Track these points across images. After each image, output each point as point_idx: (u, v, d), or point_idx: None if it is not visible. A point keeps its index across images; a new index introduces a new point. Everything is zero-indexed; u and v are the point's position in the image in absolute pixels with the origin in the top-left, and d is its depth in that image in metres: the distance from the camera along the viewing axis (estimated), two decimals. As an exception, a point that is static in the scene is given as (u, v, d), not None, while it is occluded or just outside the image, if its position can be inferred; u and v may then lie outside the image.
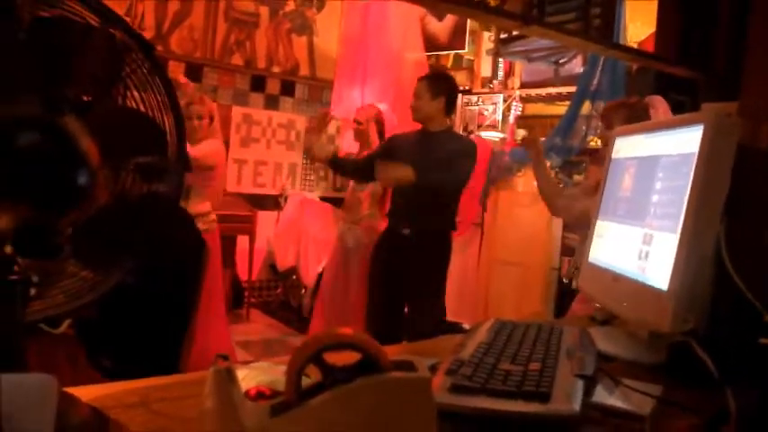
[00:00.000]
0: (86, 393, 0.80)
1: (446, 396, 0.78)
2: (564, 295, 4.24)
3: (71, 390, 0.81)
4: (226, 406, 0.63)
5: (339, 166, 3.70)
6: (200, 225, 3.47)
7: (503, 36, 3.12)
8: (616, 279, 1.15)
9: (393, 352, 1.22)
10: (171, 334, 2.13)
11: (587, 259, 1.31)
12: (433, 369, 0.89)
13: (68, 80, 0.72)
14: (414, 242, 3.32)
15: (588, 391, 0.85)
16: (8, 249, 0.59)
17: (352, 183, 4.10)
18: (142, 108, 0.89)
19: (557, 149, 4.67)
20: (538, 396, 0.78)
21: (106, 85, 0.83)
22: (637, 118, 1.96)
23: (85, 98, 0.73)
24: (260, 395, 0.79)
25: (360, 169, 3.61)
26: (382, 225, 3.73)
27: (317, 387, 0.63)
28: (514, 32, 2.84)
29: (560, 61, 3.43)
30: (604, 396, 0.87)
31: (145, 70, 0.81)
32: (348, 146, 4.41)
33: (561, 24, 1.12)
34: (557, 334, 1.06)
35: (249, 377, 0.80)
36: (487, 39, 5.60)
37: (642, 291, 1.04)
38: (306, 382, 0.65)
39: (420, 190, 3.17)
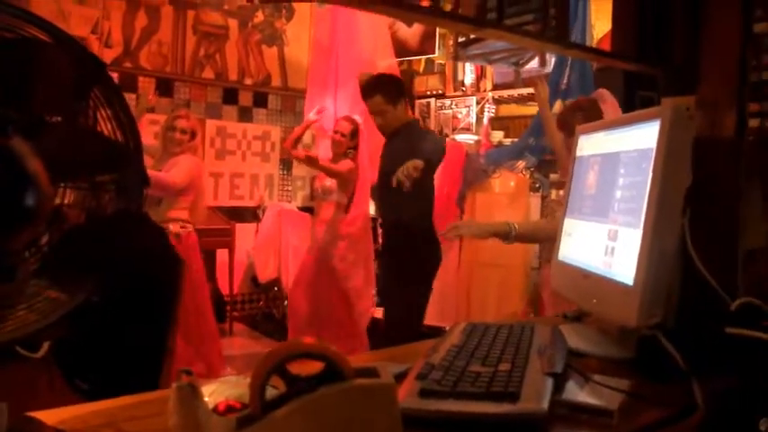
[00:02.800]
0: (54, 416, 0.79)
1: (415, 401, 0.78)
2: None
3: (38, 413, 0.80)
4: (190, 422, 0.63)
5: None
6: (175, 228, 3.49)
7: (461, 39, 3.13)
8: (585, 276, 1.16)
9: (366, 359, 1.22)
10: (149, 352, 2.10)
11: (557, 258, 1.32)
12: (404, 374, 0.89)
13: (20, 101, 0.72)
14: (388, 241, 3.36)
15: (558, 389, 0.86)
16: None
17: (319, 191, 4.16)
18: (101, 125, 0.88)
19: (531, 149, 4.70)
20: (507, 396, 0.78)
21: (62, 104, 0.82)
22: (592, 117, 1.99)
23: (38, 119, 0.72)
24: (229, 409, 0.78)
25: None
26: (343, 231, 3.89)
27: (282, 398, 0.63)
28: (472, 36, 2.86)
29: (520, 62, 3.46)
30: (574, 393, 0.88)
31: (100, 88, 0.81)
32: (323, 153, 4.41)
33: (520, 26, 1.13)
34: (528, 333, 1.07)
35: (218, 392, 0.80)
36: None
37: (609, 286, 1.05)
38: (273, 393, 0.65)
39: (392, 191, 3.22)
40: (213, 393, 0.79)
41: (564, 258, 1.30)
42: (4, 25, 0.80)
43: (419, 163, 2.98)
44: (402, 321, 3.28)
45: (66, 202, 0.97)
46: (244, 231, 5.27)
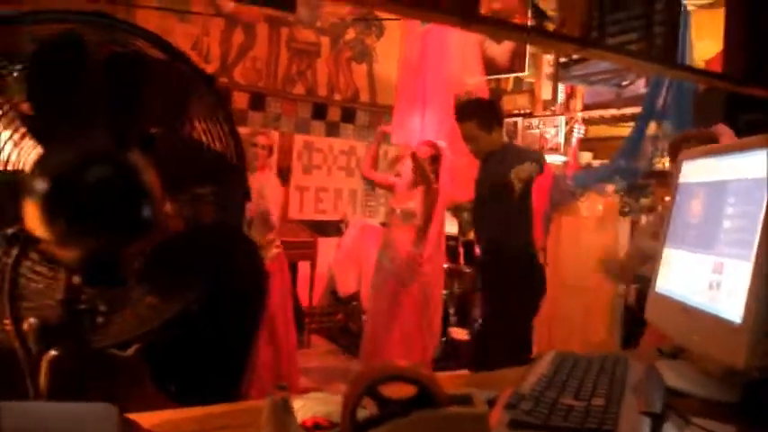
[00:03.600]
0: (148, 419, 0.82)
1: None
2: (630, 322, 4.10)
3: (134, 415, 0.82)
4: (281, 437, 0.63)
5: None
6: (277, 250, 3.60)
7: (562, 60, 3.04)
8: (685, 310, 1.10)
9: (453, 383, 1.20)
10: (234, 360, 2.16)
11: (654, 289, 1.26)
12: (492, 403, 0.86)
13: (137, 115, 0.75)
14: (492, 265, 3.26)
15: (655, 430, 0.81)
16: (75, 280, 0.61)
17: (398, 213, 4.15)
18: (206, 138, 0.91)
19: (622, 172, 4.56)
20: (602, 433, 0.75)
21: (173, 118, 0.86)
22: None
23: (152, 131, 0.76)
24: (316, 426, 0.78)
25: None
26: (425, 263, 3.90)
27: (373, 420, 0.62)
28: (574, 56, 2.77)
29: (622, 84, 3.33)
30: (674, 435, 0.83)
31: (208, 102, 0.84)
32: (407, 172, 4.42)
33: (623, 45, 1.09)
34: (621, 368, 1.02)
35: (306, 407, 0.80)
36: (547, 62, 5.55)
37: (714, 323, 0.99)
38: (363, 413, 0.65)
39: (493, 212, 3.14)
40: (301, 409, 0.79)
41: (662, 290, 1.23)
42: (119, 40, 0.84)
43: (533, 166, 2.96)
44: (509, 347, 3.22)
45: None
46: (326, 245, 5.34)
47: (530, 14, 4.32)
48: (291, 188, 5.45)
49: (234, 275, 1.20)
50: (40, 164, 0.65)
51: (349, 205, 5.84)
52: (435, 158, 4.01)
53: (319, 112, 5.65)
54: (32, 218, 0.62)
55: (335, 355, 5.05)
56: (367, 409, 0.65)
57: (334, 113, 5.75)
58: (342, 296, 5.35)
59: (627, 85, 3.22)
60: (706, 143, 2.04)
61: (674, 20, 1.07)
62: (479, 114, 3.17)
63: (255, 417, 0.71)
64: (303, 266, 5.14)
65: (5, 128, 0.72)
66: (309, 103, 5.59)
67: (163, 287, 0.90)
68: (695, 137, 2.14)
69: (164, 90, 0.79)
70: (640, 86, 4.31)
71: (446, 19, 0.91)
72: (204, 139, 0.90)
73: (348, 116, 5.82)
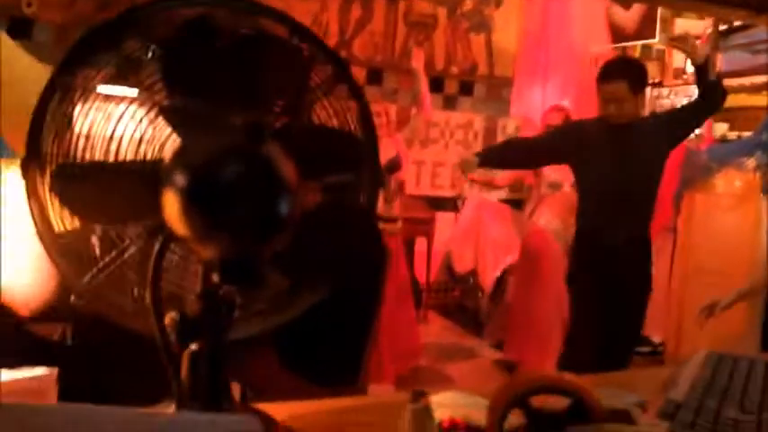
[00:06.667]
0: (279, 412, 0.81)
1: (664, 447, 0.69)
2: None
3: (266, 406, 0.82)
4: (423, 445, 0.60)
5: (489, 160, 3.37)
6: (389, 228, 3.60)
7: (722, 28, 2.69)
8: None
9: (586, 382, 1.13)
10: (355, 339, 2.18)
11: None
12: (640, 408, 0.79)
13: (267, 100, 0.73)
14: (632, 250, 3.04)
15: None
16: (215, 278, 0.60)
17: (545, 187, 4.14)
18: (334, 120, 0.88)
19: (764, 146, 4.17)
20: (779, 456, 0.66)
21: (298, 99, 0.83)
22: None
23: (282, 119, 0.73)
24: (454, 427, 0.75)
25: (527, 152, 3.37)
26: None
27: (522, 433, 0.58)
28: (736, 23, 2.50)
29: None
30: None
31: (331, 80, 0.81)
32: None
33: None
34: (791, 374, 0.91)
35: (443, 408, 0.76)
36: (679, 26, 5.15)
37: None
38: (512, 422, 0.60)
39: (632, 191, 2.96)
40: (438, 409, 0.76)
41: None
42: (244, 22, 0.82)
43: None
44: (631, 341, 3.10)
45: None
46: (443, 221, 5.29)
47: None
48: (409, 162, 5.44)
49: (361, 259, 1.18)
50: (178, 156, 0.64)
51: (467, 180, 5.74)
52: (567, 121, 3.99)
53: (436, 85, 5.56)
54: (172, 213, 0.61)
55: (451, 331, 5.03)
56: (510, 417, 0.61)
57: (451, 86, 5.65)
58: (458, 273, 5.29)
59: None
60: None
61: None
62: (630, 75, 2.86)
63: (385, 414, 0.69)
64: (420, 242, 5.13)
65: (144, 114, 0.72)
66: (426, 77, 5.51)
67: (299, 275, 0.89)
68: None
69: (291, 72, 0.76)
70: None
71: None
72: (334, 121, 0.87)
73: (466, 89, 5.70)
